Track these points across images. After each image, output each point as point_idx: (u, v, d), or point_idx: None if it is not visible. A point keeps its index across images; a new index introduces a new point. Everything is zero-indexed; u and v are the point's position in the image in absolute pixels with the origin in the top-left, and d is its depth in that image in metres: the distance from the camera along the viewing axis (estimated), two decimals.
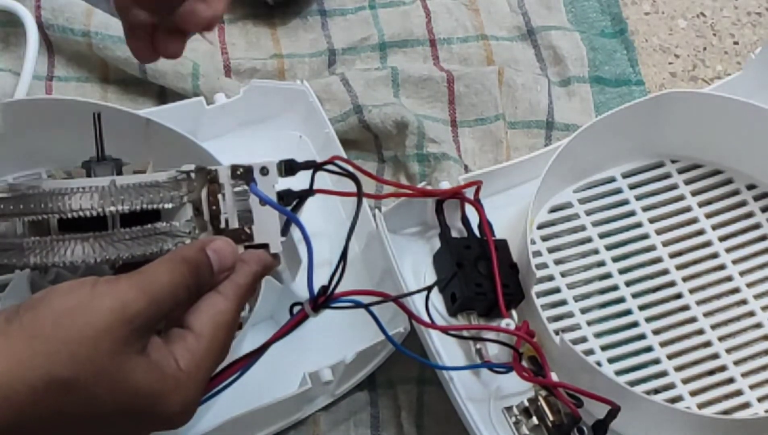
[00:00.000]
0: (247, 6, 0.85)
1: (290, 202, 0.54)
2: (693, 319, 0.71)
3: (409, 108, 0.79)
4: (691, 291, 0.72)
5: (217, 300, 0.49)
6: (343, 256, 0.52)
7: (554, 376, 0.61)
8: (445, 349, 0.64)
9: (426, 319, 0.61)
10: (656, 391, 0.68)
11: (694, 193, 0.76)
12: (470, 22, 0.86)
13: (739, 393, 0.68)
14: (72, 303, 0.44)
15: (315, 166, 0.54)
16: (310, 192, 0.54)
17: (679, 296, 0.72)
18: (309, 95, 0.74)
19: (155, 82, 0.78)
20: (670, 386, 0.68)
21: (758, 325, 0.71)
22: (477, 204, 0.68)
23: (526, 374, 0.59)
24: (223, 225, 0.52)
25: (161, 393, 0.45)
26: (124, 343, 0.44)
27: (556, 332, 0.63)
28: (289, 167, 0.53)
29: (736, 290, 0.72)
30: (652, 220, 0.74)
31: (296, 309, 0.53)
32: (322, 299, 0.52)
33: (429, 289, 0.59)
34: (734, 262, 0.73)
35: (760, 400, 0.68)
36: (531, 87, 0.81)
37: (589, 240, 0.73)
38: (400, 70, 0.81)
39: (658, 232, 0.74)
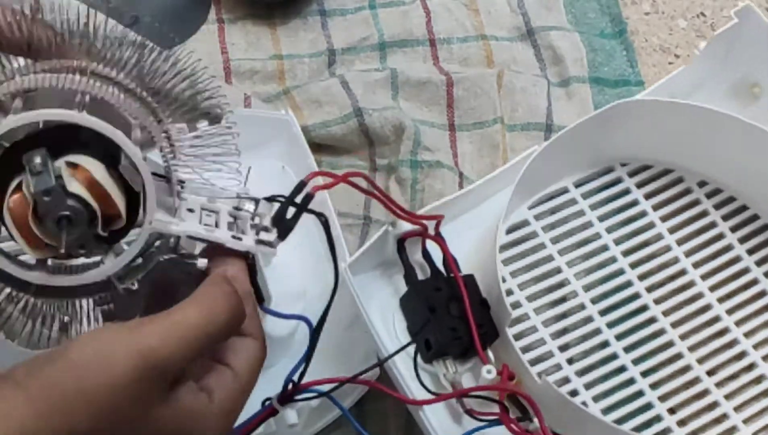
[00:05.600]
0: (247, 6, 0.84)
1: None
2: (662, 331, 0.70)
3: (407, 111, 0.78)
4: (656, 301, 0.71)
5: (250, 343, 0.48)
6: (311, 349, 0.51)
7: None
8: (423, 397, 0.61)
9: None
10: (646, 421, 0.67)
11: (647, 197, 0.74)
12: (470, 22, 0.84)
13: (724, 417, 0.67)
14: (89, 354, 0.42)
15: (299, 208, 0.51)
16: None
17: (645, 308, 0.71)
18: (293, 125, 0.72)
19: None
20: (657, 419, 0.67)
21: (733, 342, 0.70)
22: (440, 239, 0.65)
23: (517, 429, 0.57)
24: None
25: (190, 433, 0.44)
26: (147, 390, 0.43)
27: (532, 363, 0.61)
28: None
29: (699, 296, 0.72)
30: (609, 230, 0.73)
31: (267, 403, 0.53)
32: (291, 391, 0.52)
33: (416, 367, 0.57)
34: (695, 265, 0.72)
35: (745, 421, 0.67)
36: (530, 89, 0.80)
37: (550, 259, 0.71)
38: (400, 72, 0.80)
39: (617, 242, 0.73)
